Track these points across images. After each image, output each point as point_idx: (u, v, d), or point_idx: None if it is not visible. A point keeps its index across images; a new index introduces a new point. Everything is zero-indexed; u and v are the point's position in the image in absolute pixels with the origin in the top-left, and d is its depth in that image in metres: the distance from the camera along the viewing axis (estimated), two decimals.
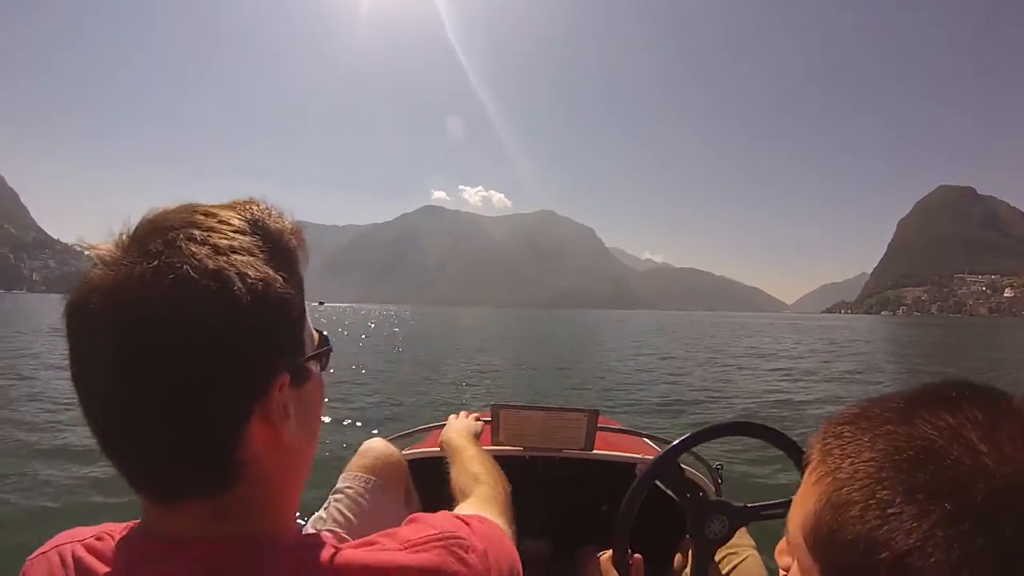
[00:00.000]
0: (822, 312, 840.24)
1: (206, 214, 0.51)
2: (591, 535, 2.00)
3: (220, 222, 0.50)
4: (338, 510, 1.32)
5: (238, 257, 0.48)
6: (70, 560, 0.52)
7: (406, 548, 0.52)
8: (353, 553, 0.51)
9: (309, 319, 0.59)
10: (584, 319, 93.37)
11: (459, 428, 1.38)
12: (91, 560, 0.51)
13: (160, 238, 0.47)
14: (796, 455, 1.26)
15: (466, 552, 0.55)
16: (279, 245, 0.53)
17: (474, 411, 1.71)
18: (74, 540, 0.54)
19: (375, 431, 5.95)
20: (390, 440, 1.69)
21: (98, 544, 0.53)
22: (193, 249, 0.47)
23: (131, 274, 0.46)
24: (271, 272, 0.50)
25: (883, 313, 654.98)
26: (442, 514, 0.62)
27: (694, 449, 1.40)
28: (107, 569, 0.51)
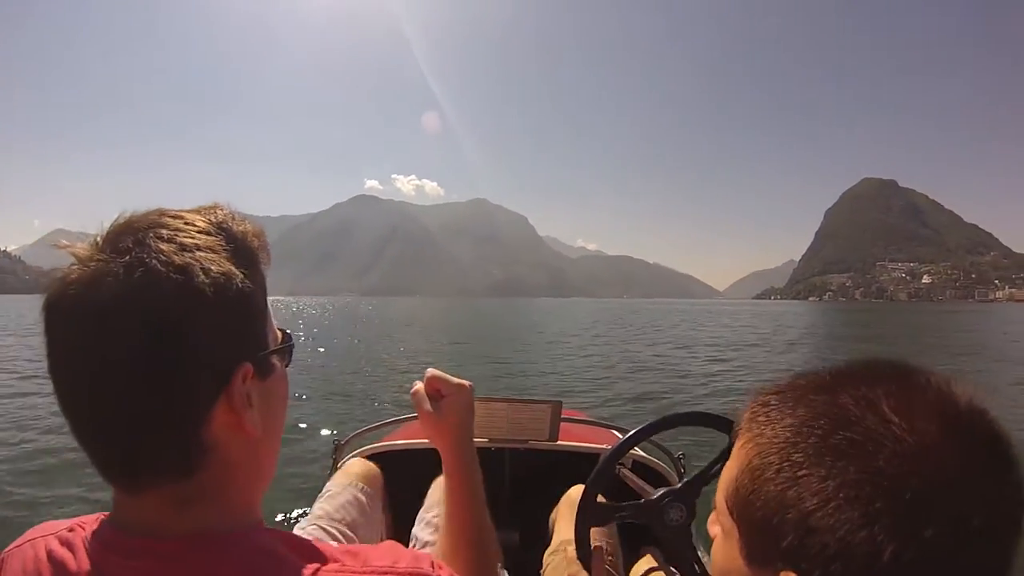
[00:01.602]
0: (753, 298, 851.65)
1: (174, 216, 0.55)
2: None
3: (186, 223, 0.54)
4: (320, 507, 1.45)
5: (202, 254, 0.51)
6: (43, 553, 0.54)
7: (367, 572, 0.54)
8: (315, 571, 0.52)
9: (272, 317, 0.61)
10: (523, 308, 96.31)
11: (463, 404, 1.03)
12: (63, 552, 0.53)
13: (131, 237, 0.51)
14: (728, 429, 1.22)
15: None
16: (241, 245, 0.56)
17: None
18: (47, 533, 0.56)
19: (334, 431, 6.20)
20: (356, 433, 1.97)
21: (70, 536, 0.55)
22: (161, 246, 0.50)
23: (105, 269, 0.49)
24: (233, 268, 0.53)
25: (810, 298, 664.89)
26: (420, 553, 0.62)
27: (655, 438, 1.39)
28: (78, 561, 0.52)
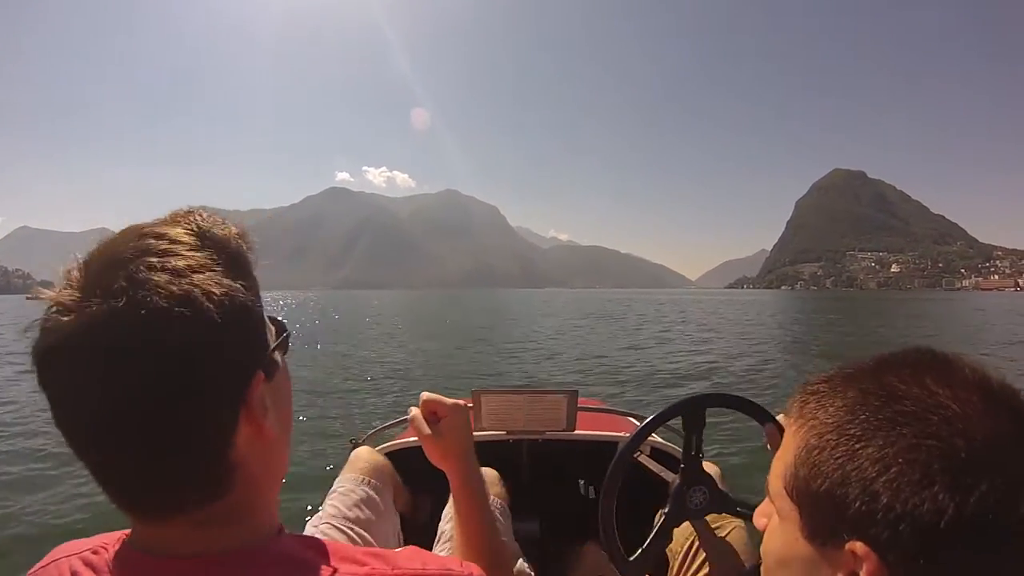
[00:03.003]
0: (725, 287, 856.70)
1: (156, 236, 0.51)
2: (580, 515, 2.03)
3: (172, 242, 0.51)
4: (333, 506, 1.41)
5: (199, 276, 0.49)
6: (68, 575, 0.53)
7: (398, 575, 0.54)
8: (347, 570, 0.53)
9: (263, 310, 0.59)
10: (499, 298, 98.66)
11: (458, 421, 1.08)
12: (89, 574, 0.52)
13: (120, 272, 0.47)
14: (766, 418, 1.24)
15: None
16: (231, 252, 0.54)
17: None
18: (71, 554, 0.55)
19: (349, 432, 5.69)
20: (372, 433, 1.94)
21: (94, 558, 0.54)
22: (154, 278, 0.47)
23: (101, 313, 0.46)
24: (231, 283, 0.51)
25: (782, 288, 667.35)
26: (447, 557, 0.63)
27: (672, 423, 1.39)
28: None
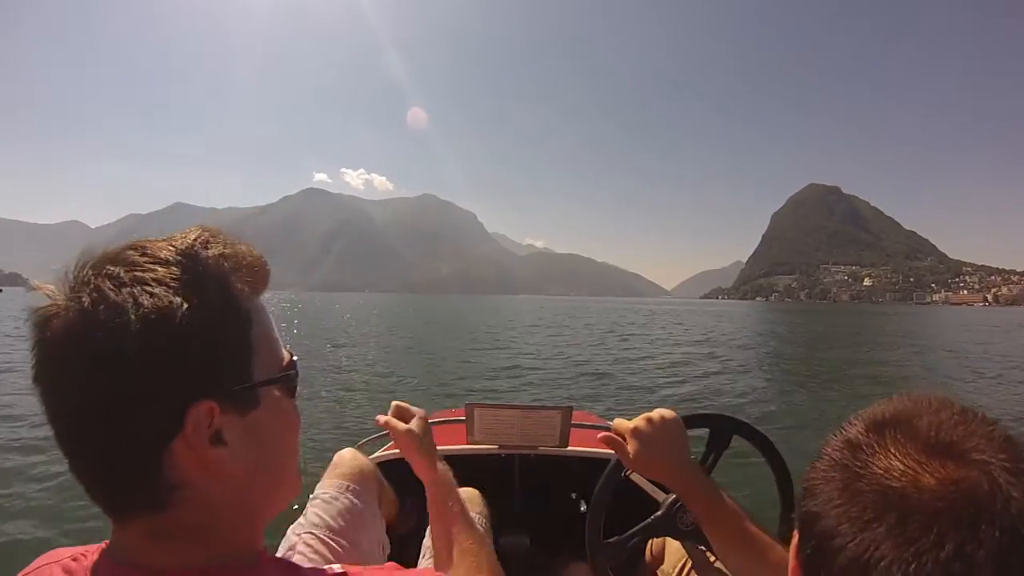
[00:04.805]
0: (701, 297, 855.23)
1: (136, 247, 0.53)
2: (572, 531, 1.98)
3: (144, 254, 0.52)
4: (316, 514, 1.37)
5: (140, 288, 0.49)
6: None
7: None
8: None
9: (268, 343, 0.59)
10: (474, 305, 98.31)
11: (421, 429, 1.18)
12: None
13: (89, 272, 0.51)
14: (782, 474, 1.26)
15: None
16: (208, 272, 0.53)
17: (444, 409, 1.65)
18: (53, 561, 0.56)
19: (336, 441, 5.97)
20: (359, 446, 1.85)
21: (74, 564, 0.55)
22: (103, 284, 0.49)
23: (57, 307, 0.49)
24: (177, 300, 0.49)
25: (757, 299, 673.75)
26: (427, 571, 0.63)
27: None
28: None
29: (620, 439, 1.09)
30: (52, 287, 0.51)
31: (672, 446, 1.06)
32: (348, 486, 1.47)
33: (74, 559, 0.56)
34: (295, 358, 0.62)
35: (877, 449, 0.46)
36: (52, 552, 0.59)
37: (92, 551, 0.56)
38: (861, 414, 0.50)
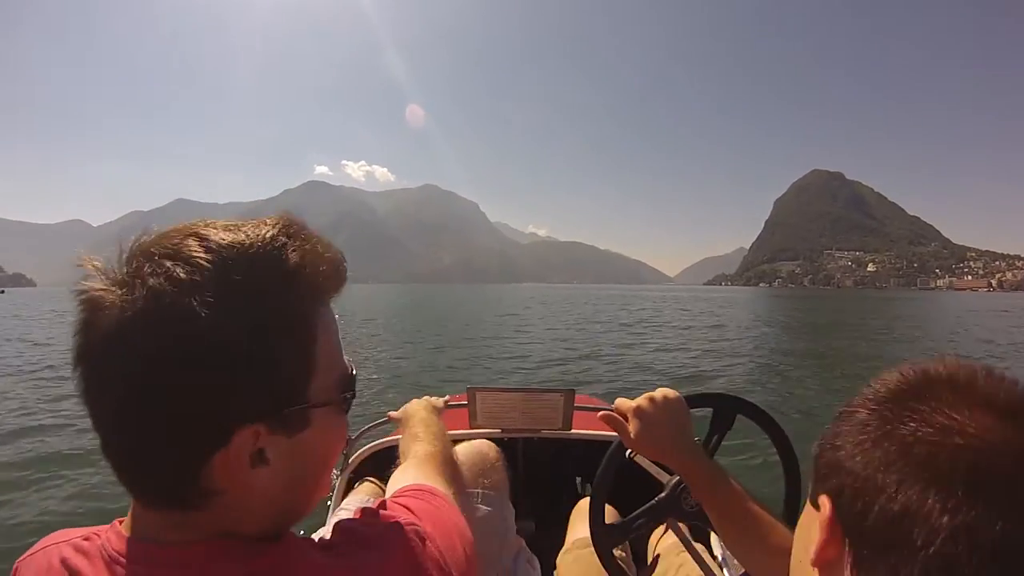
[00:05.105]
0: (704, 284, 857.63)
1: (198, 237, 0.49)
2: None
3: (208, 251, 0.48)
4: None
5: (199, 295, 0.46)
6: (57, 561, 0.52)
7: (369, 546, 0.54)
8: (330, 560, 0.52)
9: (331, 358, 0.55)
10: (477, 294, 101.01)
11: (417, 402, 1.35)
12: (79, 560, 0.52)
13: (141, 261, 0.48)
14: (788, 454, 1.24)
15: (422, 541, 0.56)
16: (274, 277, 0.49)
17: (445, 395, 1.70)
18: (61, 541, 0.55)
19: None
20: (367, 429, 1.94)
21: (85, 544, 0.53)
22: (154, 282, 0.46)
23: (110, 294, 0.47)
24: (236, 311, 0.46)
25: (760, 285, 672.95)
26: (389, 503, 0.62)
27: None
28: (93, 568, 0.51)
29: (622, 419, 1.08)
30: (101, 264, 0.49)
31: (674, 426, 1.04)
32: (367, 501, 1.53)
33: (86, 538, 0.54)
34: (354, 372, 0.59)
35: (941, 406, 0.43)
36: (58, 532, 0.57)
37: (104, 531, 0.54)
38: (902, 372, 0.47)
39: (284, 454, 0.52)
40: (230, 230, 0.51)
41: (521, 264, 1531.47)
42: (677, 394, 1.07)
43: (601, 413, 1.12)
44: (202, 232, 0.49)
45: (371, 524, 0.57)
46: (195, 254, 0.47)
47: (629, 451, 1.20)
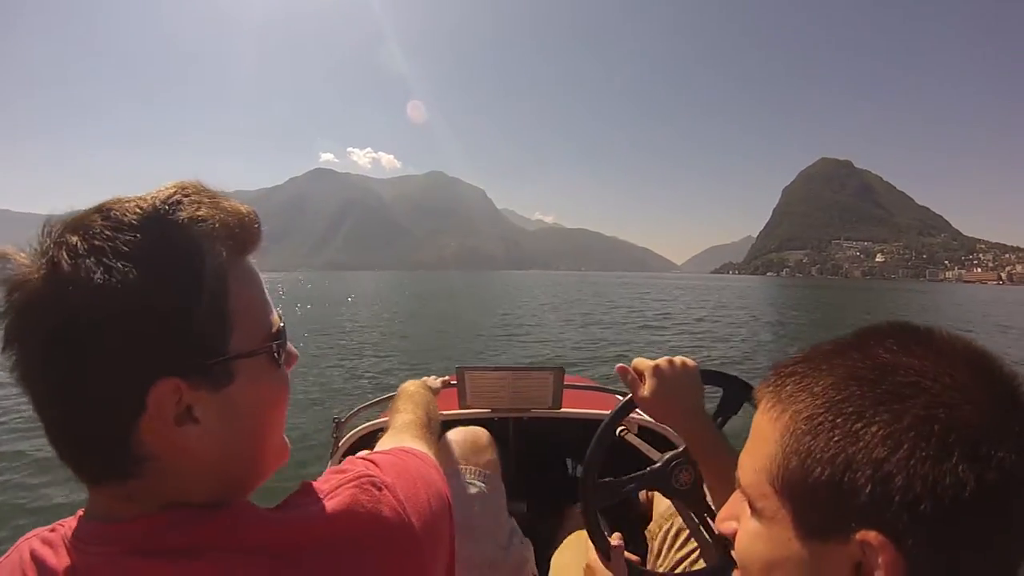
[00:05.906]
0: (711, 272, 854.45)
1: (100, 211, 0.50)
2: (567, 492, 1.99)
3: (107, 219, 0.49)
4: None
5: (96, 260, 0.47)
6: (27, 555, 0.53)
7: (322, 498, 0.55)
8: (279, 515, 0.53)
9: (251, 312, 0.55)
10: (483, 280, 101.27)
11: (411, 381, 1.38)
12: (45, 551, 0.53)
13: (47, 241, 0.49)
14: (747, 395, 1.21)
15: (379, 489, 0.57)
16: (171, 238, 0.50)
17: (438, 376, 1.72)
18: (32, 536, 0.56)
19: (334, 411, 5.96)
20: (356, 411, 1.97)
21: (51, 535, 0.54)
22: (56, 253, 0.47)
23: (24, 276, 0.48)
24: (133, 273, 0.47)
25: (768, 274, 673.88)
26: (349, 460, 0.63)
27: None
28: (59, 557, 0.52)
29: (637, 376, 1.10)
30: (25, 253, 0.49)
31: (688, 389, 1.06)
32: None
33: (52, 530, 0.55)
34: (282, 324, 0.59)
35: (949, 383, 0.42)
36: (31, 532, 0.58)
37: (69, 521, 0.56)
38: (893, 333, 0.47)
39: (214, 411, 0.52)
40: (132, 200, 0.51)
41: (528, 251, 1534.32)
42: (695, 364, 1.09)
43: (619, 366, 1.12)
44: (107, 205, 0.51)
45: (330, 479, 0.58)
46: (94, 223, 0.49)
47: (621, 428, 1.22)
